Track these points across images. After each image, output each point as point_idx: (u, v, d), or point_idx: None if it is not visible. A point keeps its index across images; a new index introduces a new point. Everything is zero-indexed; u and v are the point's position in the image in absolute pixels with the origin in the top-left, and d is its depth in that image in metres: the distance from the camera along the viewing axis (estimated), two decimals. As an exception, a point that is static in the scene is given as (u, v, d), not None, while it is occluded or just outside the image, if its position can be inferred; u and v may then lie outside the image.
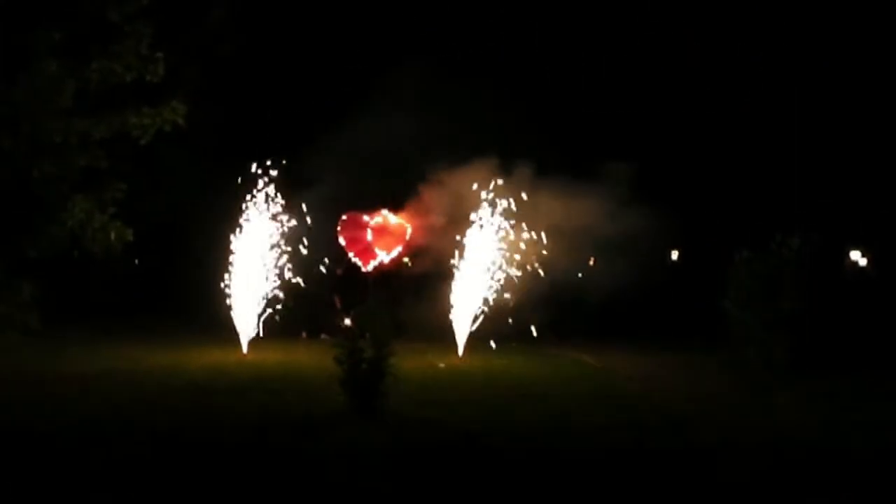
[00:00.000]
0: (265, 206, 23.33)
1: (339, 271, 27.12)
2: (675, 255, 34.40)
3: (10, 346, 20.92)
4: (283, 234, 23.55)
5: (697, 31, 31.43)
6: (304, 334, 26.32)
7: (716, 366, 22.17)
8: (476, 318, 23.74)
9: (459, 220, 24.11)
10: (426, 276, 26.06)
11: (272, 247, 23.42)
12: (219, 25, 29.03)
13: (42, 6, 19.81)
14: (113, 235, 21.04)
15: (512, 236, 23.72)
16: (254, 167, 23.45)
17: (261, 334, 23.51)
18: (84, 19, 20.49)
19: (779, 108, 30.34)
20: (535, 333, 25.67)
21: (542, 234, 24.06)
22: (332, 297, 25.70)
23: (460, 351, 23.57)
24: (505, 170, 24.39)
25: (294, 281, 23.90)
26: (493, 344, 23.80)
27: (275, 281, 23.46)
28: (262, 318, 23.41)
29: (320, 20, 33.07)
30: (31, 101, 19.69)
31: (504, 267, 23.65)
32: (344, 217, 26.91)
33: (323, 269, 26.24)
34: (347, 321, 23.98)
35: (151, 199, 27.04)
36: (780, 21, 31.26)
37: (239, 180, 23.34)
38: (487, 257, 23.52)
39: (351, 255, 26.77)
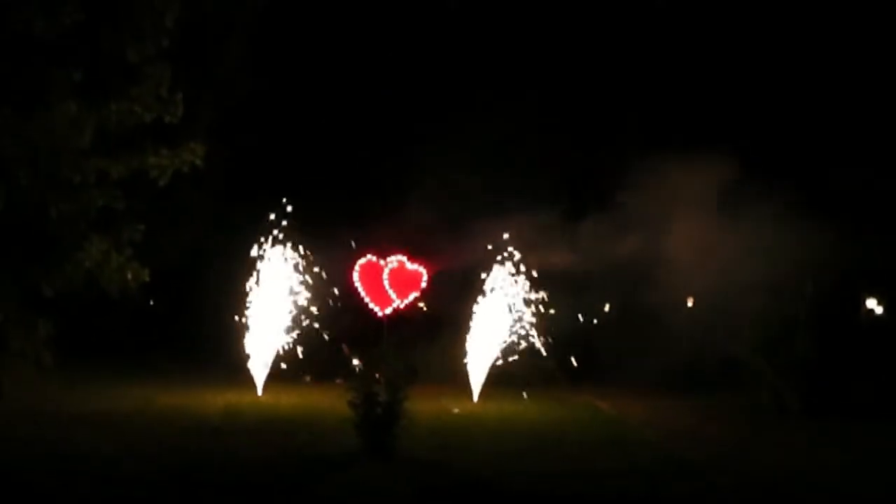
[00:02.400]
0: (281, 247, 23.33)
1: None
2: (690, 301, 34.30)
3: (24, 384, 20.94)
4: (299, 269, 23.53)
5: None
6: (307, 378, 26.24)
7: (729, 411, 22.15)
8: (492, 363, 23.72)
9: (476, 266, 24.10)
10: (441, 320, 26.09)
11: (289, 291, 23.43)
12: (236, 66, 29.17)
13: (62, 46, 19.96)
14: (130, 276, 21.09)
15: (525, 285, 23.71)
16: (271, 216, 23.43)
17: (278, 373, 23.55)
18: (104, 60, 20.63)
19: (789, 151, 30.28)
20: (549, 379, 25.62)
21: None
22: (342, 342, 25.75)
23: (475, 396, 23.54)
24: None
25: (307, 324, 23.89)
26: (524, 395, 23.68)
27: (290, 324, 23.46)
28: (276, 361, 23.40)
29: (338, 59, 33.27)
30: (50, 140, 19.80)
31: (519, 312, 23.63)
32: (361, 261, 26.97)
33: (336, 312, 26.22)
34: (357, 364, 23.97)
35: (167, 240, 27.07)
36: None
37: (257, 222, 23.32)
38: (503, 303, 23.51)
39: (367, 299, 26.81)
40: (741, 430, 19.81)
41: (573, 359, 26.59)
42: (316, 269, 23.84)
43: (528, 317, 23.78)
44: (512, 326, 23.67)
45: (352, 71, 33.08)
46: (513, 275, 23.66)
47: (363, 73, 33.03)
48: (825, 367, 21.53)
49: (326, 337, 24.86)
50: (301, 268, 23.54)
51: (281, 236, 23.34)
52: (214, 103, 27.86)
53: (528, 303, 23.78)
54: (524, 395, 23.16)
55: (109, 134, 20.48)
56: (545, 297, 23.86)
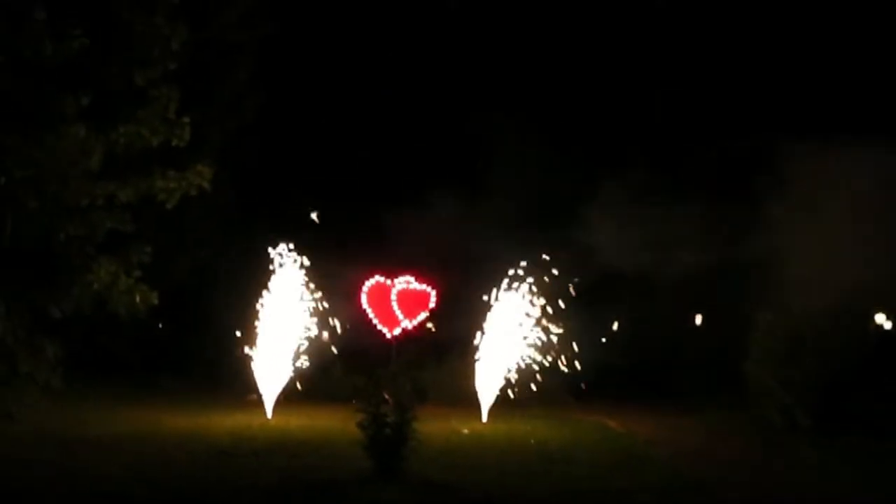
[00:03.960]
0: (290, 269, 23.31)
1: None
2: (698, 319, 34.30)
3: (32, 406, 20.96)
4: (309, 288, 23.52)
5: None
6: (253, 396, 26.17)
7: (739, 428, 22.14)
8: (501, 383, 23.70)
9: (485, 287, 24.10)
10: (450, 340, 26.10)
11: (298, 312, 23.42)
12: (243, 88, 29.25)
13: (70, 70, 20.05)
14: (138, 298, 21.16)
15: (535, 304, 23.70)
16: (282, 247, 23.41)
17: (286, 396, 23.54)
18: (111, 83, 20.72)
19: (796, 170, 30.24)
20: (558, 398, 25.61)
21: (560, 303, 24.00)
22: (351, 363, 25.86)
23: (484, 416, 23.52)
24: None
25: (318, 345, 23.89)
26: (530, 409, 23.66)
27: (300, 345, 23.45)
28: (286, 383, 23.39)
29: (345, 79, 33.38)
30: (58, 163, 19.89)
31: (530, 331, 23.62)
32: (369, 282, 27.00)
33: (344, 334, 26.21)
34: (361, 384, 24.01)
35: (175, 262, 27.13)
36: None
37: (265, 244, 23.28)
38: (513, 323, 23.50)
39: (375, 320, 26.84)
40: (752, 448, 19.80)
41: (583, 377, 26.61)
42: (321, 293, 23.78)
43: (538, 335, 23.74)
44: (522, 345, 23.63)
45: (359, 91, 33.21)
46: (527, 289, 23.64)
47: (371, 94, 33.16)
48: (835, 384, 21.49)
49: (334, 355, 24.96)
50: (309, 290, 23.50)
51: (289, 258, 23.30)
52: (221, 125, 27.96)
53: (540, 319, 23.74)
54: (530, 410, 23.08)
55: (117, 157, 20.60)
56: (555, 312, 23.82)
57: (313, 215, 22.98)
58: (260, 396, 23.81)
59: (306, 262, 23.26)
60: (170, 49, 20.88)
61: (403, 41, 33.56)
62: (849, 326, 22.52)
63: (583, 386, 26.48)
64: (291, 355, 23.35)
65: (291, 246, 23.26)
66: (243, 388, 24.50)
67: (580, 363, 25.61)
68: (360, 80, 33.53)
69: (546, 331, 23.63)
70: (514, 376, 23.76)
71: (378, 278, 27.06)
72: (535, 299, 23.50)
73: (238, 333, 23.93)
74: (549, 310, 23.64)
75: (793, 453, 18.94)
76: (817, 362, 21.55)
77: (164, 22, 20.62)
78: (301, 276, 23.30)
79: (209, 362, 28.82)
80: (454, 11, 33.04)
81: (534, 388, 24.28)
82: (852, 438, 20.24)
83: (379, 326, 27.03)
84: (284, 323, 23.13)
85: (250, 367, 23.44)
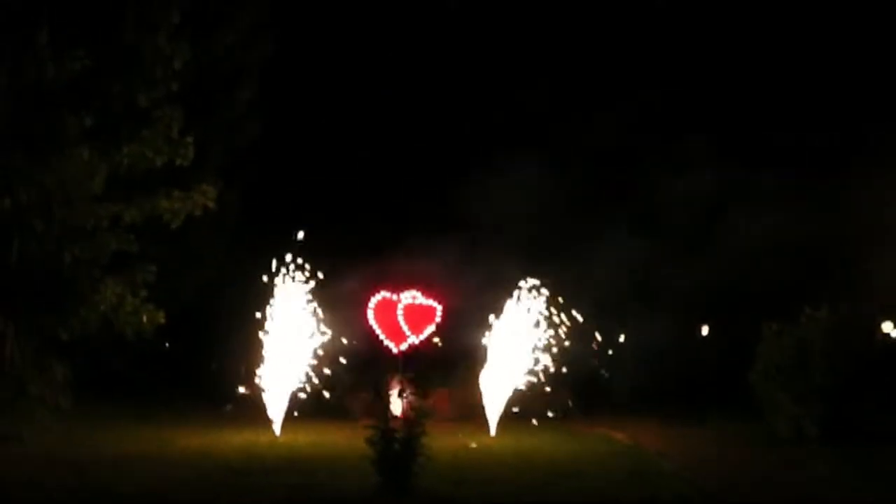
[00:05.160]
0: (295, 287, 23.28)
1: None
2: (705, 329, 34.35)
3: (42, 427, 21.00)
4: (316, 308, 23.52)
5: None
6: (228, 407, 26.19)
7: (746, 439, 22.10)
8: (508, 397, 23.71)
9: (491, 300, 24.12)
10: (457, 355, 26.11)
11: (304, 330, 23.40)
12: (246, 106, 29.32)
13: (74, 90, 20.14)
14: (145, 318, 21.24)
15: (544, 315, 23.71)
16: (289, 260, 23.39)
17: (294, 414, 23.53)
18: (115, 104, 20.82)
19: (804, 177, 30.28)
20: (565, 411, 25.61)
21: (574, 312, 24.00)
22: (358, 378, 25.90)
23: (492, 430, 23.52)
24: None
25: (325, 361, 23.87)
26: (535, 421, 23.61)
27: (308, 363, 23.43)
28: (294, 400, 23.39)
29: (347, 97, 33.47)
30: (63, 185, 19.97)
31: (540, 342, 23.63)
32: (375, 298, 27.01)
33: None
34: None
35: (181, 281, 27.16)
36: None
37: (270, 261, 23.26)
38: (520, 336, 23.51)
39: (382, 336, 26.84)
40: (760, 459, 19.75)
41: (586, 390, 26.61)
42: (327, 310, 23.76)
43: (544, 349, 23.75)
44: (528, 358, 23.64)
45: (361, 108, 33.30)
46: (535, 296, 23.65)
47: (373, 111, 33.26)
48: (842, 393, 21.47)
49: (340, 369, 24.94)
50: (315, 307, 23.49)
51: (294, 276, 23.27)
52: (225, 144, 28.03)
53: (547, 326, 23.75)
54: (534, 421, 22.95)
55: (121, 178, 20.68)
56: (565, 322, 23.82)
57: (300, 235, 22.86)
58: (235, 408, 23.80)
59: (312, 279, 23.22)
60: (172, 69, 21.00)
61: (405, 56, 33.66)
62: (855, 335, 22.49)
63: (570, 403, 26.38)
64: (298, 372, 23.31)
65: (297, 263, 23.24)
66: (252, 405, 24.51)
67: (584, 375, 25.72)
68: (362, 94, 33.62)
69: (553, 344, 23.64)
70: (521, 390, 23.76)
71: (384, 293, 27.06)
72: (542, 312, 23.51)
73: (246, 353, 23.88)
74: (556, 322, 23.66)
75: (801, 464, 18.90)
76: (824, 372, 21.52)
77: (165, 42, 20.76)
78: (306, 292, 23.26)
79: (217, 380, 28.86)
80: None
81: (540, 401, 24.32)
82: (860, 447, 20.22)
83: (385, 342, 27.02)
84: (291, 340, 23.09)
85: (258, 385, 23.41)
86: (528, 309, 23.49)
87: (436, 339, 27.75)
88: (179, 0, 21.36)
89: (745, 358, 23.25)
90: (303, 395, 23.53)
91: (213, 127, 26.74)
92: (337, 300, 24.00)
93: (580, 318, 23.91)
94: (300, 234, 23.07)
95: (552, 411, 25.44)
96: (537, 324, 23.51)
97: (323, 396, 24.49)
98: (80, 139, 19.80)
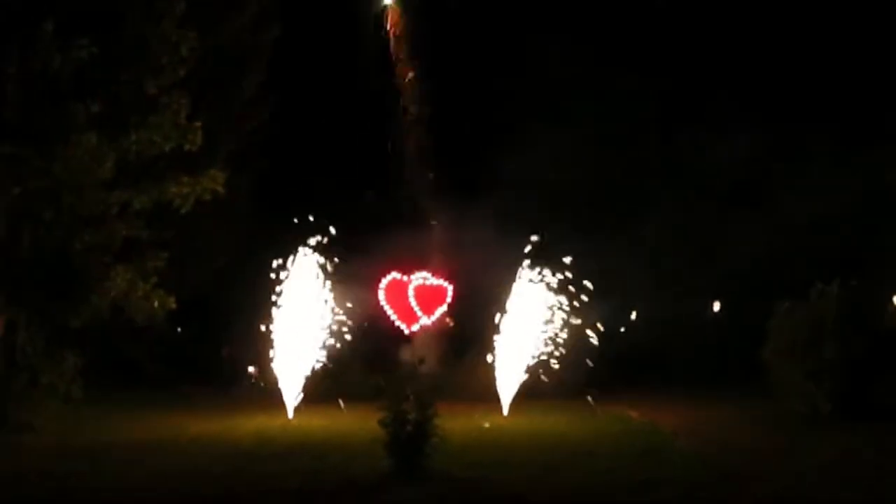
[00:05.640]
0: (307, 269, 23.23)
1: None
2: (716, 306, 34.28)
3: (54, 416, 21.01)
4: (326, 287, 23.48)
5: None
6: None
7: (759, 417, 22.06)
8: (521, 376, 23.67)
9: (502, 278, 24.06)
10: (469, 334, 26.09)
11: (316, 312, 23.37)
12: (254, 90, 29.26)
13: (81, 78, 20.10)
14: (156, 304, 21.23)
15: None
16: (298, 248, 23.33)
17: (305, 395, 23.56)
18: (122, 91, 20.77)
19: (814, 155, 30.13)
20: (578, 388, 25.57)
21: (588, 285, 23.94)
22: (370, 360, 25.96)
23: (505, 410, 23.49)
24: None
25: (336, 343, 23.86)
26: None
27: (319, 344, 23.41)
28: (307, 383, 23.38)
29: (354, 80, 33.37)
30: (72, 173, 19.94)
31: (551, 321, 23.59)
32: (386, 279, 26.99)
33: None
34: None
35: (192, 267, 27.14)
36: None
37: (281, 245, 23.20)
38: (532, 315, 23.46)
39: (393, 317, 26.85)
40: (774, 436, 19.73)
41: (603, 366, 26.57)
42: (339, 292, 23.72)
43: (557, 326, 23.71)
44: (540, 337, 23.60)
45: (369, 90, 33.19)
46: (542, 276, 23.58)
47: (381, 93, 33.14)
48: (855, 369, 21.40)
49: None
50: (326, 289, 23.46)
51: (305, 257, 23.23)
52: (233, 129, 27.98)
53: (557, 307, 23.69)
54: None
55: (130, 165, 20.65)
56: (574, 303, 23.77)
57: (310, 217, 22.84)
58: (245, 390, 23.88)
59: (322, 262, 23.19)
60: (179, 55, 20.94)
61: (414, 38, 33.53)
62: (867, 310, 22.41)
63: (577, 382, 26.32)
64: (310, 354, 23.29)
65: (309, 247, 23.20)
66: (264, 389, 24.51)
67: (599, 353, 25.69)
68: (370, 79, 33.51)
69: (565, 322, 23.62)
70: (533, 369, 23.74)
71: (395, 275, 27.06)
72: (554, 291, 23.49)
73: (258, 337, 23.85)
74: (568, 301, 23.63)
75: (815, 441, 18.85)
76: (836, 348, 21.43)
77: (172, 28, 20.69)
78: (318, 275, 23.23)
79: (230, 365, 28.90)
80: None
81: (550, 379, 24.31)
82: (874, 424, 20.15)
83: (397, 323, 27.01)
84: (302, 322, 23.07)
85: (270, 369, 23.41)
86: (542, 280, 23.44)
87: (447, 320, 27.79)
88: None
89: (757, 335, 23.19)
90: (315, 378, 23.53)
91: (222, 111, 26.66)
92: (348, 282, 23.96)
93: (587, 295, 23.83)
94: (311, 218, 23.04)
95: (566, 389, 25.35)
96: (550, 307, 23.48)
97: (334, 378, 24.50)
98: (87, 126, 19.75)
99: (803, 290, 22.48)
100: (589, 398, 24.00)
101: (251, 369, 27.11)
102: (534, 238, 23.71)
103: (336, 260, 23.33)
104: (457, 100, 32.65)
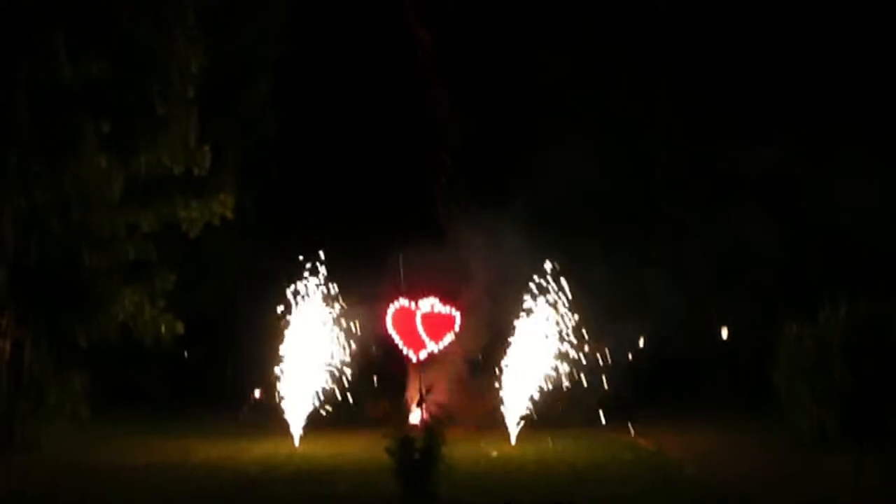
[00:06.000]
0: (314, 294, 23.17)
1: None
2: (724, 332, 34.16)
3: (60, 436, 20.99)
4: (335, 319, 23.42)
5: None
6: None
7: (770, 441, 21.97)
8: (528, 404, 23.59)
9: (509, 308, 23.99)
10: (477, 362, 26.03)
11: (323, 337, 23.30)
12: (262, 111, 29.29)
13: (91, 99, 20.14)
14: (163, 328, 21.21)
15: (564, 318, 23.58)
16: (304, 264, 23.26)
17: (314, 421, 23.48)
18: (131, 112, 20.79)
19: (821, 181, 29.96)
20: (585, 416, 25.50)
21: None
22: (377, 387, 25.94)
23: (513, 438, 23.40)
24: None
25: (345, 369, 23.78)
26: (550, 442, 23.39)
27: (326, 371, 23.34)
28: (313, 410, 23.30)
29: (365, 106, 33.36)
30: (81, 188, 19.96)
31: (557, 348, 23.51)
32: (393, 306, 26.92)
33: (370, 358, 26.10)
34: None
35: (200, 289, 27.12)
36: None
37: (290, 268, 23.16)
38: (539, 342, 23.40)
39: (401, 344, 26.77)
40: (784, 460, 19.63)
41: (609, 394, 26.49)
42: (346, 318, 23.66)
43: (565, 354, 23.64)
44: (548, 364, 23.52)
45: (378, 108, 33.19)
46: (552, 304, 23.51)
47: (391, 111, 33.13)
48: (864, 392, 21.30)
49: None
50: (334, 315, 23.40)
51: (313, 283, 23.17)
52: (241, 149, 27.97)
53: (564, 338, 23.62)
54: (550, 442, 22.75)
55: (139, 186, 20.66)
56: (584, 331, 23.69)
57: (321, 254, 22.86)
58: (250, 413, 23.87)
59: (330, 288, 23.15)
60: (189, 72, 20.95)
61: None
62: (875, 333, 22.31)
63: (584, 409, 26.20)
64: (317, 381, 23.22)
65: (319, 275, 23.15)
66: (270, 414, 24.44)
67: (607, 380, 25.61)
68: (379, 96, 33.50)
69: (574, 348, 23.54)
70: (541, 396, 23.65)
71: (402, 302, 26.97)
72: (562, 317, 23.41)
73: (265, 362, 23.80)
74: (575, 328, 23.56)
75: (824, 465, 18.76)
76: (845, 371, 21.34)
77: (181, 43, 20.70)
78: (325, 301, 23.19)
79: (236, 390, 28.87)
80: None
81: (561, 407, 24.25)
82: (884, 447, 20.02)
83: (404, 350, 26.95)
84: (309, 348, 23.00)
85: (277, 394, 23.35)
86: (547, 318, 23.38)
87: (455, 347, 27.69)
88: (194, 1, 21.36)
89: (767, 359, 23.13)
90: (322, 404, 23.46)
91: (229, 129, 26.67)
92: (355, 308, 23.90)
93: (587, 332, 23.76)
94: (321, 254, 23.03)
95: (574, 418, 25.27)
96: (559, 334, 23.41)
97: (342, 405, 24.43)
98: (97, 146, 19.77)
99: (812, 311, 22.41)
100: (601, 416, 23.91)
101: (256, 392, 27.05)
102: (547, 265, 23.54)
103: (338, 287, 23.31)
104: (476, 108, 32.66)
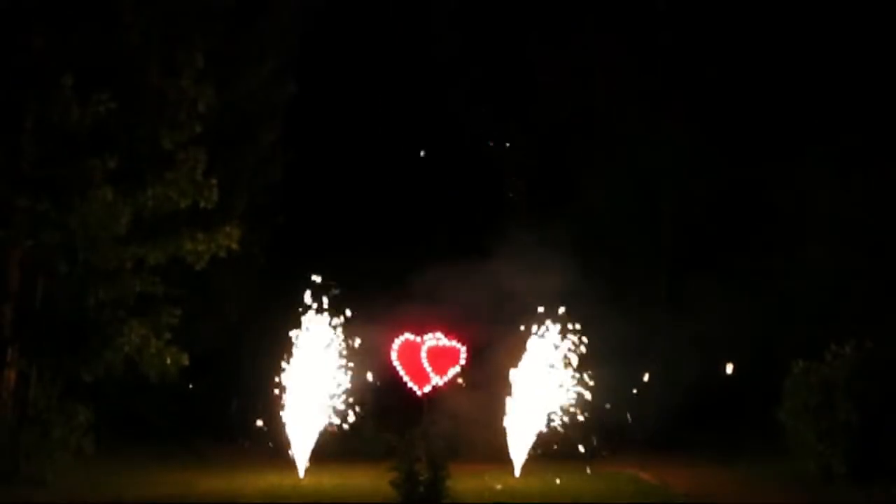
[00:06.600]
0: (320, 328, 23.17)
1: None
2: (729, 368, 34.13)
3: (64, 470, 20.95)
4: (339, 346, 23.41)
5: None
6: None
7: (775, 478, 21.94)
8: (533, 438, 23.57)
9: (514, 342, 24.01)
10: (481, 396, 26.01)
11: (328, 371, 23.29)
12: (270, 147, 29.41)
13: (98, 133, 20.25)
14: (169, 361, 21.21)
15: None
16: (307, 297, 23.28)
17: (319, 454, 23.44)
18: (139, 146, 20.91)
19: (824, 220, 29.97)
20: (590, 451, 25.45)
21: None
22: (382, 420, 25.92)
23: (517, 471, 23.36)
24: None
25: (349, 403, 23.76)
26: (557, 481, 23.27)
27: (331, 403, 23.33)
28: (318, 441, 23.27)
29: (371, 135, 33.54)
30: (87, 227, 20.03)
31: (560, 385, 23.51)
32: (399, 339, 26.97)
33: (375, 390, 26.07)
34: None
35: (205, 323, 27.14)
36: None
37: (295, 302, 23.18)
38: (543, 376, 23.39)
39: (406, 378, 26.81)
40: (789, 499, 19.59)
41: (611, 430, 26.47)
42: (355, 346, 23.65)
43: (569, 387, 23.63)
44: (553, 398, 23.51)
45: (386, 147, 33.39)
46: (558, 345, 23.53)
47: (397, 150, 33.34)
48: (869, 431, 21.27)
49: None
50: (339, 348, 23.39)
51: (318, 315, 23.18)
52: (249, 186, 28.08)
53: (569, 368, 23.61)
54: (557, 480, 22.66)
55: (145, 220, 20.73)
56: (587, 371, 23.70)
57: (317, 278, 22.87)
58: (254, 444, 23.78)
59: (335, 321, 23.17)
60: (196, 111, 21.10)
61: (428, 96, 33.77)
62: (881, 372, 22.30)
63: (589, 444, 26.12)
64: (322, 414, 23.21)
65: (322, 304, 23.16)
66: (275, 447, 24.41)
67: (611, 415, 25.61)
68: (386, 134, 33.70)
69: (577, 383, 23.54)
70: (545, 430, 23.63)
71: (407, 335, 27.03)
72: (566, 352, 23.42)
73: (270, 395, 23.78)
74: (579, 362, 23.56)
75: (831, 501, 18.72)
76: (850, 409, 21.32)
77: (190, 84, 20.86)
78: (330, 334, 23.19)
79: (241, 423, 28.83)
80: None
81: (565, 442, 24.25)
82: (890, 485, 20.00)
83: (409, 384, 26.97)
84: (315, 381, 23.00)
85: (282, 427, 23.34)
86: (554, 345, 23.39)
87: (460, 381, 27.71)
88: (203, 42, 21.52)
89: (773, 396, 23.10)
90: (328, 435, 23.45)
91: (237, 168, 26.80)
92: (361, 342, 23.90)
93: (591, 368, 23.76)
94: (317, 278, 23.03)
95: (580, 450, 25.25)
96: (565, 363, 23.41)
97: (346, 438, 24.41)
98: (103, 181, 19.86)
99: (819, 350, 22.40)
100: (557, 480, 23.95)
101: (259, 423, 26.98)
102: (561, 311, 23.59)
103: (348, 315, 23.30)
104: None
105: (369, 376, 24.65)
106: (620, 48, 31.50)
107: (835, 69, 29.65)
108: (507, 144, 35.14)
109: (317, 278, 23.06)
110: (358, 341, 23.54)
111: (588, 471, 23.33)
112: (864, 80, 29.13)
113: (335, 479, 22.23)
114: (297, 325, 23.03)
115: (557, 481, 21.82)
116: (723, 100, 30.42)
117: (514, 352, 23.72)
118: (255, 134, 28.48)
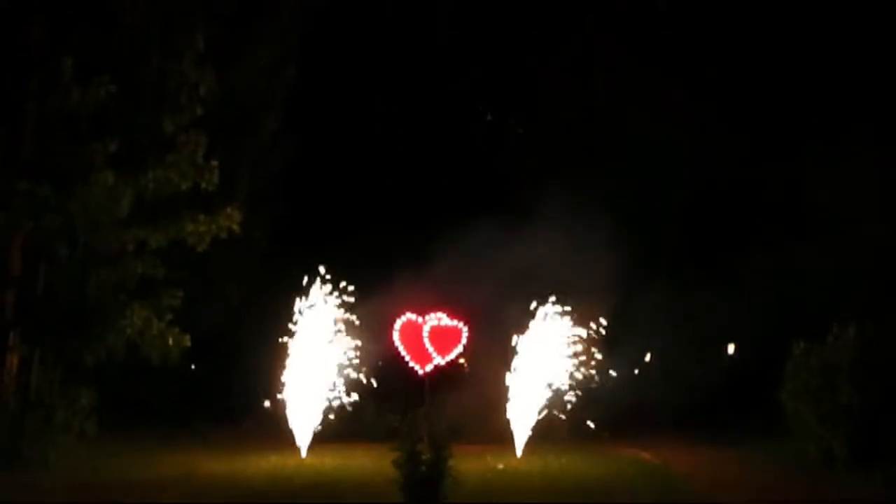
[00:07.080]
0: (320, 308, 23.20)
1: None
2: (731, 348, 34.14)
3: (67, 453, 20.99)
4: (340, 326, 23.42)
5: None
6: None
7: (774, 460, 21.91)
8: (535, 417, 23.59)
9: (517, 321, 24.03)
10: (483, 376, 26.03)
11: (330, 351, 23.32)
12: (272, 131, 29.39)
13: (98, 118, 20.24)
14: (171, 342, 21.25)
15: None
16: (313, 283, 23.27)
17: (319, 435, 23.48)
18: (140, 130, 20.91)
19: (826, 199, 29.91)
20: (592, 430, 25.49)
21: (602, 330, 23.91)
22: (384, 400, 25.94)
23: (519, 451, 23.40)
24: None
25: (350, 383, 23.79)
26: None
27: (333, 384, 23.36)
28: (320, 422, 23.31)
29: (373, 121, 33.49)
30: (88, 211, 20.04)
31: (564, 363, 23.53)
32: (400, 320, 26.99)
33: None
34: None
35: (207, 305, 27.16)
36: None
37: (296, 284, 23.20)
38: (546, 356, 23.42)
39: (407, 357, 26.83)
40: (790, 481, 19.60)
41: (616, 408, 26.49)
42: (353, 332, 23.66)
43: (571, 368, 23.66)
44: (555, 378, 23.54)
45: (387, 131, 33.32)
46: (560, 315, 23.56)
47: (399, 133, 33.27)
48: (871, 413, 21.26)
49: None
50: (341, 329, 23.41)
51: (320, 296, 23.20)
52: (251, 169, 28.08)
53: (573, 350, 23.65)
54: (560, 461, 22.68)
55: (147, 203, 20.74)
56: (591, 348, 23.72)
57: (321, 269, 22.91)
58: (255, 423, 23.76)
59: (337, 302, 23.19)
60: (197, 95, 21.10)
61: (435, 77, 33.72)
62: (882, 353, 22.28)
63: (590, 424, 26.14)
64: (324, 394, 23.24)
65: (325, 287, 23.17)
66: (277, 428, 24.44)
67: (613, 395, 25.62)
68: (389, 117, 33.64)
69: (580, 363, 23.57)
70: (546, 410, 23.67)
71: (409, 316, 27.04)
72: (568, 332, 23.46)
73: (272, 375, 23.83)
74: (583, 342, 23.59)
75: (832, 485, 18.74)
76: (851, 392, 21.28)
77: (191, 68, 20.85)
78: (332, 315, 23.21)
79: (243, 404, 28.85)
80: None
81: (564, 421, 24.29)
82: (891, 468, 20.01)
83: (411, 364, 27.00)
84: (317, 362, 23.03)
85: (284, 408, 23.39)
86: (557, 328, 23.42)
87: (461, 361, 27.73)
88: (204, 27, 21.51)
89: (774, 377, 23.09)
90: (330, 416, 23.48)
91: (239, 153, 26.78)
92: (362, 322, 23.92)
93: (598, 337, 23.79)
94: (321, 269, 23.05)
95: (578, 431, 25.30)
96: (566, 343, 23.45)
97: (348, 419, 24.45)
98: (104, 165, 19.86)
99: (822, 331, 22.37)
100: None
101: (266, 404, 27.04)
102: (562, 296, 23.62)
103: (350, 295, 23.33)
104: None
105: (371, 358, 24.64)
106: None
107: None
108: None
109: (321, 269, 23.08)
110: (358, 322, 23.56)
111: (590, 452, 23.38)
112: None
113: (337, 460, 22.27)
114: (299, 307, 23.06)
115: (560, 461, 21.87)
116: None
117: (517, 333, 23.72)
118: (256, 122, 28.48)
